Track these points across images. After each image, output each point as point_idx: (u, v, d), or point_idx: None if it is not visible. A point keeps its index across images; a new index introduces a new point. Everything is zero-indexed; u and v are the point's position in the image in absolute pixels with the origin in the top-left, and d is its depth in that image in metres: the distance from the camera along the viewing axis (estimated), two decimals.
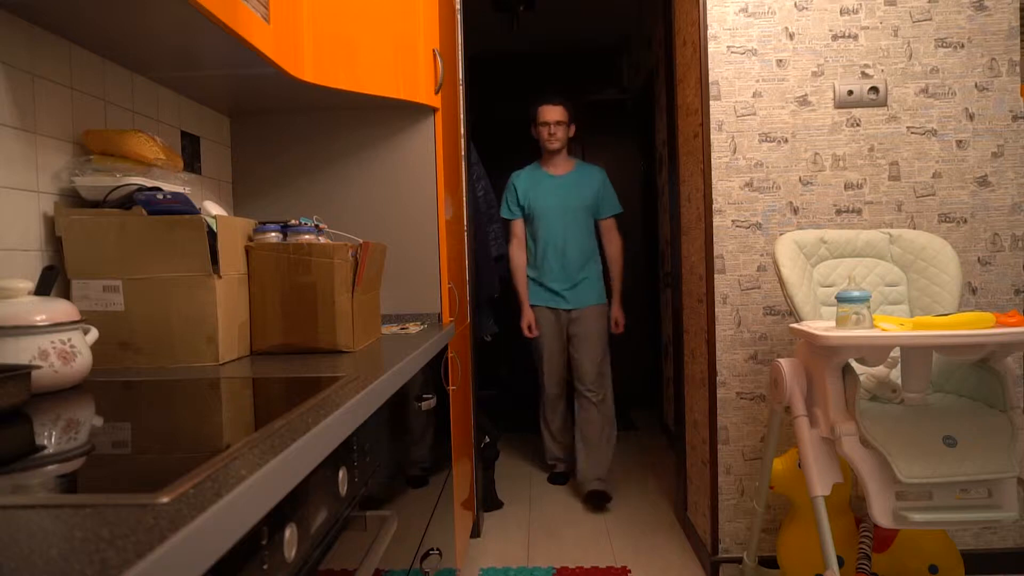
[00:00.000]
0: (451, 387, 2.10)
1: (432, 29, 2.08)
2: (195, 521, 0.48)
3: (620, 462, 3.95)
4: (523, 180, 3.33)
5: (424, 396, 1.59)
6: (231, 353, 1.38)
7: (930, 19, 2.37)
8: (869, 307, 1.70)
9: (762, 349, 2.41)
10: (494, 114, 5.21)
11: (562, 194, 3.26)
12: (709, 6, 2.39)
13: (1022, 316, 1.64)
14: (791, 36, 2.38)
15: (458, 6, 2.77)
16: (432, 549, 1.56)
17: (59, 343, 1.01)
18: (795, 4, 2.38)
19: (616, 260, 3.38)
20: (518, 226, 3.36)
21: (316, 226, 1.61)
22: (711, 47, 2.40)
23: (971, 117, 2.37)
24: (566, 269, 3.26)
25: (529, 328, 3.31)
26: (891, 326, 1.67)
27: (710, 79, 2.40)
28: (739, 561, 2.38)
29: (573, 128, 3.31)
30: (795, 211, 2.40)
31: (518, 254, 3.34)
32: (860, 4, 2.37)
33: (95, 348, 1.12)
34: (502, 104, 5.31)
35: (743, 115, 2.40)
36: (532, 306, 3.33)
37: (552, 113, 3.24)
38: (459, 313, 2.44)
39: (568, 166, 3.33)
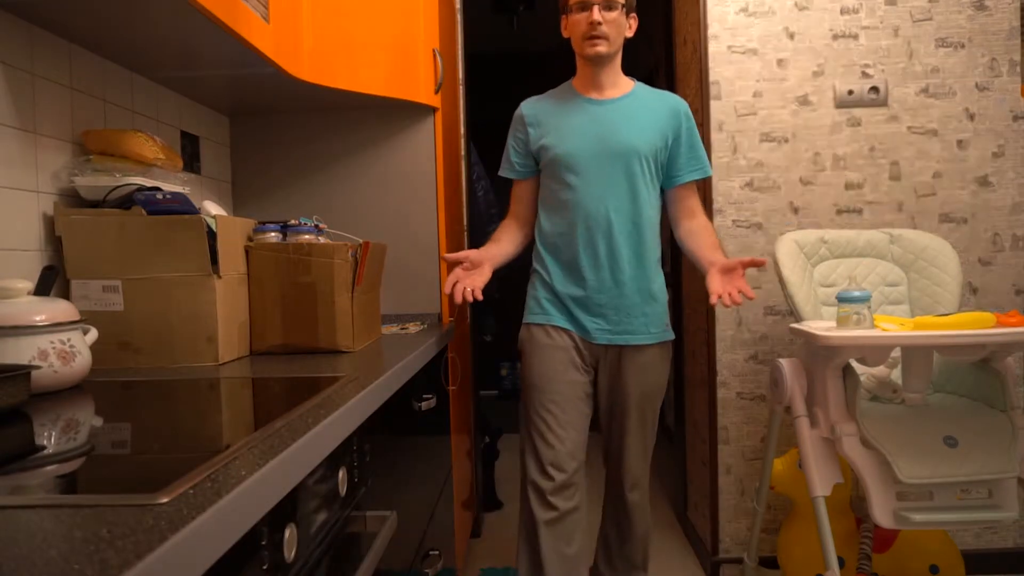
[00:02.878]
0: (451, 387, 2.10)
1: (432, 29, 2.08)
2: (195, 521, 0.48)
3: None
4: (538, 107, 1.91)
5: (424, 396, 1.59)
6: (231, 353, 1.38)
7: (930, 19, 2.37)
8: (870, 307, 1.70)
9: (762, 349, 2.41)
10: (494, 114, 5.20)
11: (610, 133, 1.81)
12: (709, 5, 2.39)
13: (1022, 316, 1.64)
14: (791, 36, 2.38)
15: (458, 6, 2.77)
16: (432, 549, 1.56)
17: (59, 343, 1.01)
18: (795, 4, 2.37)
19: (709, 237, 1.87)
20: (522, 192, 1.94)
21: (316, 226, 1.61)
22: (711, 47, 2.39)
23: (972, 117, 2.37)
24: (613, 269, 1.82)
25: (476, 294, 1.72)
26: (892, 326, 1.67)
27: (710, 79, 2.40)
28: (739, 561, 2.38)
29: (634, 22, 1.87)
30: (795, 211, 2.40)
31: (502, 235, 1.95)
32: (860, 4, 2.37)
33: (95, 348, 1.12)
34: (502, 104, 5.30)
35: (743, 115, 2.39)
36: (533, 324, 1.89)
37: None
38: (459, 313, 2.44)
39: (623, 87, 1.89)
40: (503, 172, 1.95)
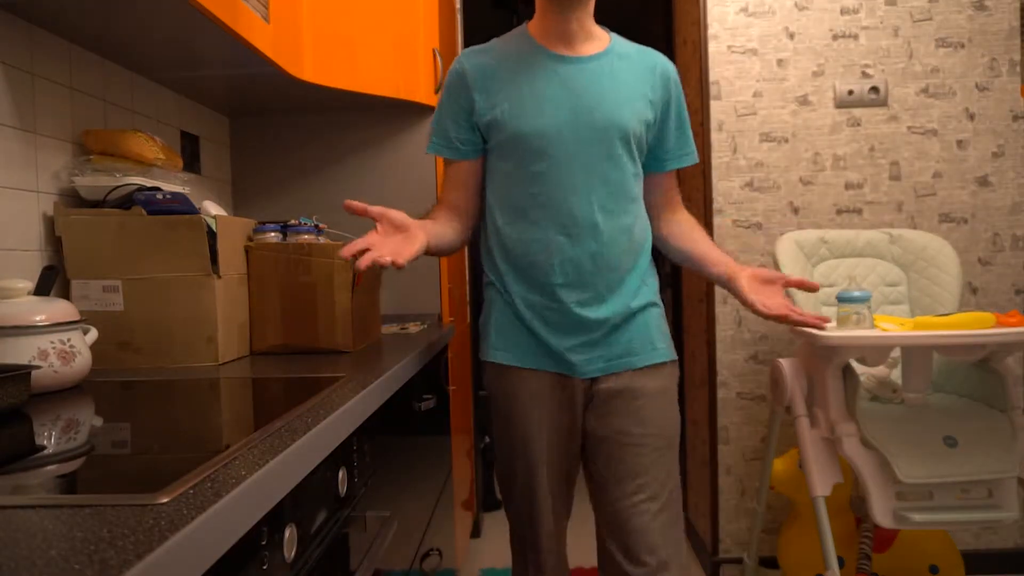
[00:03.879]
0: (451, 387, 2.10)
1: (432, 29, 2.08)
2: (195, 521, 0.48)
3: None
4: (485, 63, 1.37)
5: (424, 396, 1.59)
6: (231, 353, 1.38)
7: (930, 19, 2.37)
8: (870, 307, 1.70)
9: (762, 349, 2.41)
10: None
11: (588, 104, 1.33)
12: (709, 5, 2.39)
13: (1022, 316, 1.64)
14: (791, 36, 2.38)
15: (458, 6, 2.77)
16: (432, 549, 1.56)
17: (59, 343, 1.01)
18: (795, 4, 2.37)
19: (705, 235, 1.50)
20: (462, 176, 1.41)
21: (316, 226, 1.61)
22: (711, 47, 2.39)
23: (971, 117, 2.37)
24: (599, 273, 1.34)
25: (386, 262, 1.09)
26: (892, 326, 1.67)
27: (710, 79, 2.40)
28: (739, 561, 2.38)
29: None
30: (795, 211, 2.40)
31: (440, 218, 1.40)
32: (860, 4, 2.37)
33: (95, 348, 1.12)
34: None
35: (743, 115, 2.39)
36: (492, 363, 1.41)
37: None
38: (459, 313, 2.44)
39: (598, 39, 1.40)
40: (433, 148, 1.39)
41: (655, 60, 1.41)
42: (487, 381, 1.43)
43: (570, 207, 1.31)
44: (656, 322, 1.40)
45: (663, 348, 1.39)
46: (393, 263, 1.08)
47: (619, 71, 1.36)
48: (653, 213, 1.47)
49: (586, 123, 1.31)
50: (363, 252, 1.06)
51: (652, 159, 1.43)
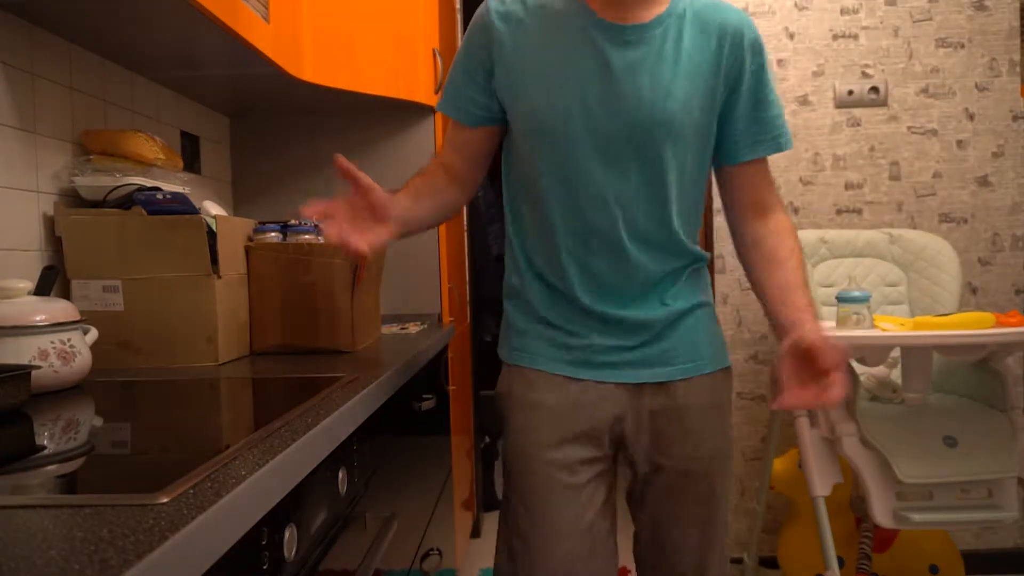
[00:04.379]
0: (451, 387, 2.10)
1: (432, 29, 2.08)
2: (195, 521, 0.48)
3: None
4: (513, 11, 1.10)
5: (424, 396, 1.59)
6: (231, 353, 1.38)
7: (930, 19, 2.37)
8: (869, 307, 1.70)
9: (762, 349, 2.41)
10: None
11: (633, 95, 1.05)
12: None
13: (1022, 316, 1.64)
14: (791, 36, 2.38)
15: (458, 6, 2.77)
16: (432, 549, 1.56)
17: (59, 343, 1.01)
18: (795, 4, 2.37)
19: (793, 262, 1.14)
20: (466, 143, 1.19)
21: (316, 226, 1.61)
22: None
23: (971, 117, 2.37)
24: (628, 284, 1.12)
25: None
26: (891, 326, 1.67)
27: None
28: (739, 561, 2.38)
29: None
30: (795, 211, 2.40)
31: (424, 187, 1.22)
32: (860, 4, 2.37)
33: (95, 348, 1.12)
34: None
35: None
36: (515, 366, 1.17)
37: None
38: (459, 313, 2.44)
39: (654, 5, 1.08)
40: (443, 106, 1.18)
41: (727, 19, 1.10)
42: (502, 384, 1.21)
43: (592, 223, 1.08)
44: (704, 324, 1.17)
45: (710, 355, 1.15)
46: (358, 254, 0.96)
47: (680, 42, 1.06)
48: (730, 216, 1.19)
49: (625, 119, 1.04)
50: (325, 216, 0.97)
51: (720, 150, 1.14)
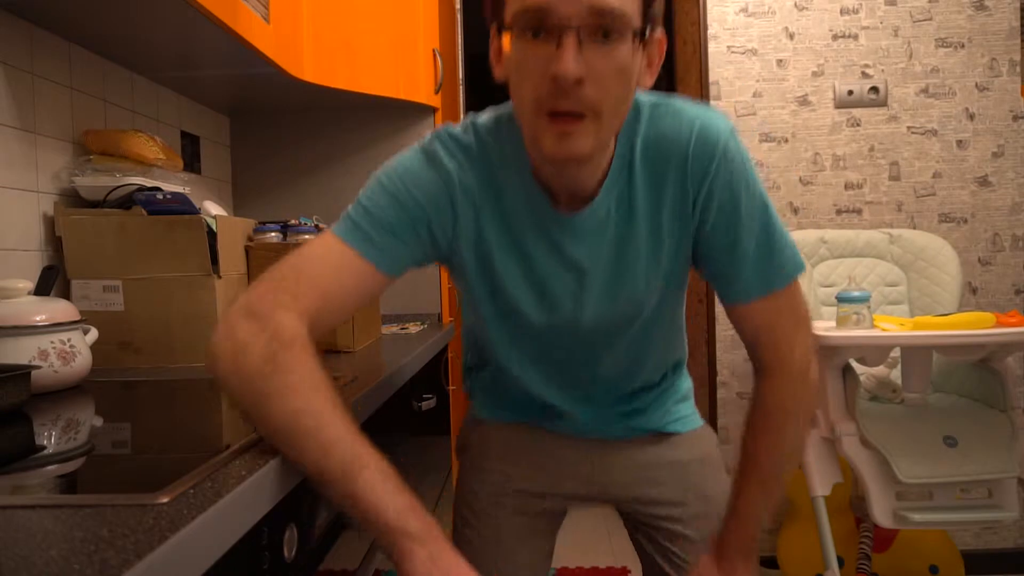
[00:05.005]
0: (451, 387, 2.10)
1: (432, 29, 2.08)
2: (195, 521, 0.48)
3: None
4: (479, 189, 0.87)
5: (424, 396, 1.59)
6: None
7: (930, 19, 2.37)
8: (869, 307, 1.70)
9: None
10: None
11: (593, 282, 0.89)
12: (709, 6, 2.38)
13: (1022, 316, 1.64)
14: (791, 36, 2.38)
15: (458, 6, 2.77)
16: None
17: (59, 343, 1.01)
18: (795, 4, 2.37)
19: (765, 456, 0.94)
20: (357, 281, 0.82)
21: (316, 226, 1.61)
22: (711, 47, 2.39)
23: (971, 117, 2.37)
24: (594, 389, 1.02)
25: None
26: (891, 326, 1.67)
27: (710, 79, 2.40)
28: None
29: (660, 50, 0.81)
30: (795, 211, 2.40)
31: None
32: (860, 4, 2.37)
33: (95, 348, 1.12)
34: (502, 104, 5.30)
35: (743, 115, 2.39)
36: (479, 421, 1.17)
37: None
38: (459, 313, 2.44)
39: (599, 164, 0.83)
40: (358, 243, 0.82)
41: (686, 144, 0.84)
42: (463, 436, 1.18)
43: (552, 375, 0.98)
44: (672, 393, 1.09)
45: (685, 416, 1.09)
46: None
47: (634, 211, 0.86)
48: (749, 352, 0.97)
49: (592, 313, 0.90)
50: None
51: (721, 289, 0.93)
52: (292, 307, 0.75)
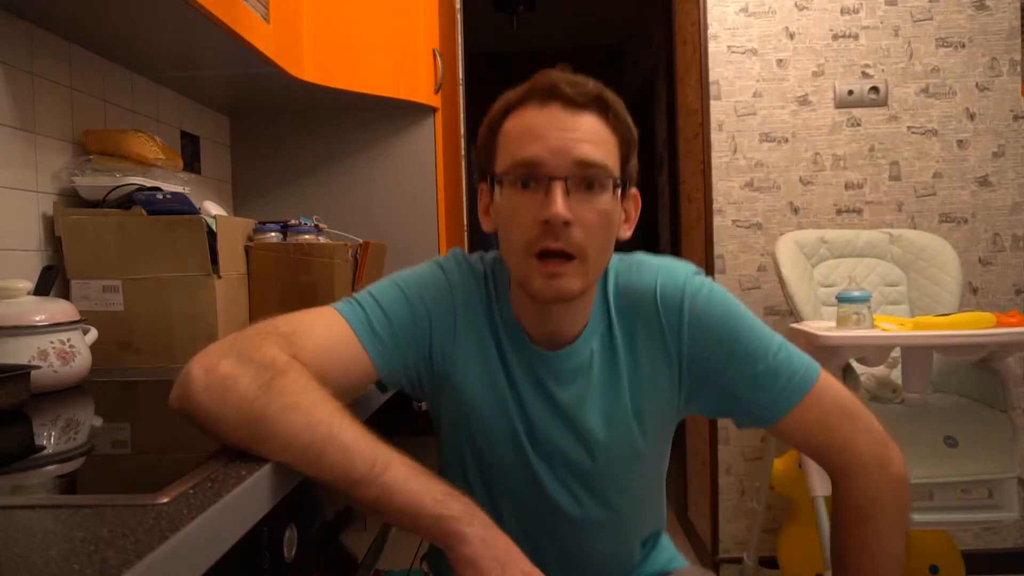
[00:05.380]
0: None
1: (432, 29, 2.08)
2: (195, 521, 0.48)
3: None
4: (454, 321, 0.89)
5: None
6: None
7: (931, 19, 2.37)
8: (870, 307, 1.70)
9: None
10: None
11: (581, 423, 0.88)
12: (709, 5, 2.38)
13: (1022, 316, 1.64)
14: (791, 36, 2.38)
15: (458, 6, 2.77)
16: (432, 549, 1.56)
17: (58, 343, 1.01)
18: (795, 4, 2.37)
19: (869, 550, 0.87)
20: (348, 364, 0.81)
21: (316, 226, 1.61)
22: (711, 47, 2.39)
23: (972, 117, 2.37)
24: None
25: None
26: (891, 326, 1.67)
27: (710, 79, 2.40)
28: (739, 561, 2.38)
29: (635, 205, 0.90)
30: (795, 211, 2.40)
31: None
32: (861, 4, 2.37)
33: (95, 348, 1.12)
34: None
35: (743, 115, 2.39)
36: None
37: (565, 129, 0.79)
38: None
39: (581, 309, 0.88)
40: (365, 338, 0.83)
41: (653, 297, 0.87)
42: None
43: (533, 539, 0.89)
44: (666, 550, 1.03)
45: (669, 557, 1.03)
46: None
47: (615, 356, 0.88)
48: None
49: (574, 457, 0.88)
50: None
51: (744, 421, 0.92)
52: (285, 349, 0.73)
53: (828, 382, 0.87)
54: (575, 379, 0.87)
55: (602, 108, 0.81)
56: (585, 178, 0.78)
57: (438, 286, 0.89)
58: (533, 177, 0.78)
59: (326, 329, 0.81)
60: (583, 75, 0.81)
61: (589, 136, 0.79)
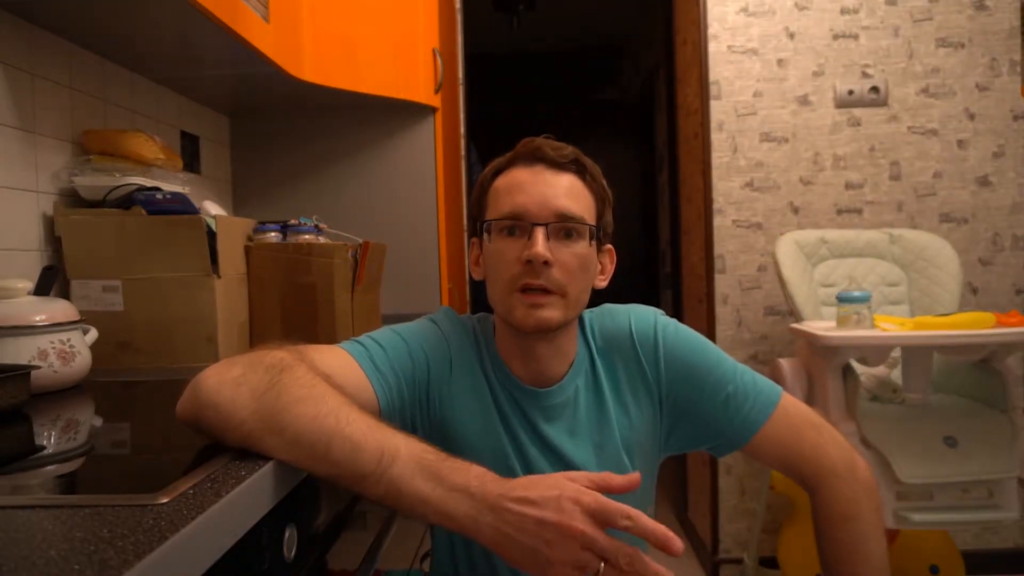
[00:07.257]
0: None
1: (432, 29, 2.08)
2: (194, 521, 0.48)
3: None
4: (449, 372, 0.95)
5: None
6: (230, 353, 1.37)
7: (931, 19, 2.37)
8: (870, 307, 1.70)
9: (762, 349, 2.41)
10: (494, 114, 5.21)
11: (572, 457, 0.93)
12: (709, 5, 2.38)
13: (1022, 316, 1.64)
14: (791, 36, 2.38)
15: (458, 6, 2.77)
16: (432, 549, 1.56)
17: (58, 343, 1.01)
18: (795, 3, 2.37)
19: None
20: (354, 383, 0.84)
21: (316, 226, 1.61)
22: (711, 47, 2.39)
23: (972, 117, 2.37)
24: None
25: None
26: (892, 326, 1.67)
27: (710, 79, 2.40)
28: (739, 562, 2.38)
29: (611, 259, 0.98)
30: (796, 211, 2.40)
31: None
32: (861, 4, 2.37)
33: (95, 348, 1.12)
34: (502, 104, 5.30)
35: (743, 115, 2.39)
36: None
37: (548, 185, 0.90)
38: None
39: (566, 351, 0.95)
40: (367, 368, 0.87)
41: (629, 333, 0.96)
42: None
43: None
44: None
45: None
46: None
47: (601, 394, 0.95)
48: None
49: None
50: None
51: (718, 447, 0.98)
52: (293, 355, 0.76)
53: (791, 399, 0.96)
54: (562, 414, 0.93)
55: (580, 169, 0.91)
56: (563, 228, 0.88)
57: (433, 335, 0.96)
58: (518, 225, 0.88)
59: (333, 357, 0.86)
60: (562, 143, 0.92)
61: (569, 192, 0.89)
